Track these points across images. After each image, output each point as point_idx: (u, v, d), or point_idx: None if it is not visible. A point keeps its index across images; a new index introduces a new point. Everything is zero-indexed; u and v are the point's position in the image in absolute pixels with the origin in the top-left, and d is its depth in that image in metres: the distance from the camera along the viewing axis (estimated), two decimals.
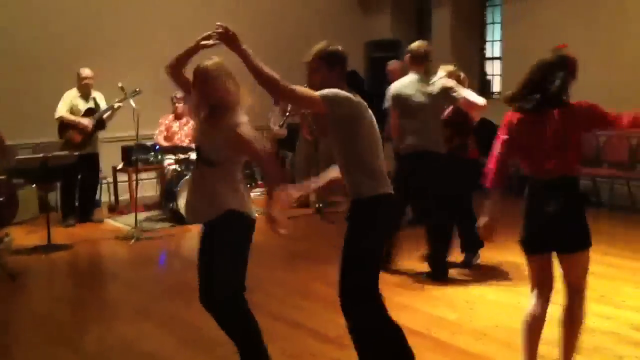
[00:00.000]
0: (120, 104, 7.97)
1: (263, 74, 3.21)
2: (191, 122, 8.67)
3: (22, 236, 7.51)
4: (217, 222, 3.56)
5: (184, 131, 8.68)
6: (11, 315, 5.13)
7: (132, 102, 7.40)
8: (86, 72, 8.06)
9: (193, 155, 8.26)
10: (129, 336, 4.58)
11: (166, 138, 8.66)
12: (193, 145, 8.30)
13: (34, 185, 8.41)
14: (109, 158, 8.92)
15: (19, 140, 8.35)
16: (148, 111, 7.67)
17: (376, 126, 3.51)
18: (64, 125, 7.99)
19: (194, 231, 7.64)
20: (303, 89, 3.34)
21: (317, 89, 3.42)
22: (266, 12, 10.39)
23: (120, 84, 7.45)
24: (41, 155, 6.96)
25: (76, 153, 7.42)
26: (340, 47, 3.55)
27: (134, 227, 7.49)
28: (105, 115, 8.08)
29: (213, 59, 3.56)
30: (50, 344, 4.47)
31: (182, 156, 8.31)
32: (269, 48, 10.17)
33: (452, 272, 5.69)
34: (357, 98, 3.42)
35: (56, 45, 8.88)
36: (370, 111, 3.48)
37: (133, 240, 7.12)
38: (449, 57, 10.26)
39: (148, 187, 8.90)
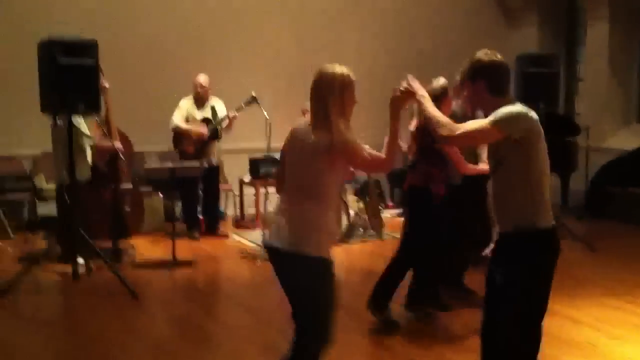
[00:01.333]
0: (236, 113, 7.58)
1: (435, 121, 3.06)
2: None
3: (147, 247, 7.31)
4: None
5: None
6: (126, 338, 4.79)
7: (264, 112, 7.01)
8: (201, 79, 7.75)
9: None
10: None
11: None
12: None
13: (161, 195, 8.28)
14: (236, 169, 8.63)
15: (146, 148, 8.21)
16: (278, 123, 7.24)
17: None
18: (178, 136, 7.73)
19: None
20: (471, 125, 3.03)
21: (472, 110, 3.28)
22: (408, 28, 9.95)
23: (253, 93, 7.11)
24: (170, 165, 6.70)
25: (205, 165, 7.16)
26: (482, 56, 3.14)
27: (259, 246, 7.11)
28: (221, 125, 7.73)
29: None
30: None
31: None
32: (413, 65, 9.67)
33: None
34: (532, 113, 3.04)
35: (185, 53, 8.70)
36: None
37: (259, 261, 6.72)
38: (604, 76, 9.38)
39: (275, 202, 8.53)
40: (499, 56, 3.14)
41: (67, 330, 5.13)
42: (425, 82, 4.73)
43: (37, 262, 5.99)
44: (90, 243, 6.00)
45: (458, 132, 2.99)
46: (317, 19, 9.51)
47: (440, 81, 4.88)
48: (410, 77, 3.17)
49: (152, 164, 7.45)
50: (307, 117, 8.07)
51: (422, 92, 3.14)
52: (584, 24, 9.98)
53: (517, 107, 3.04)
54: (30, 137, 7.81)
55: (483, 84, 3.10)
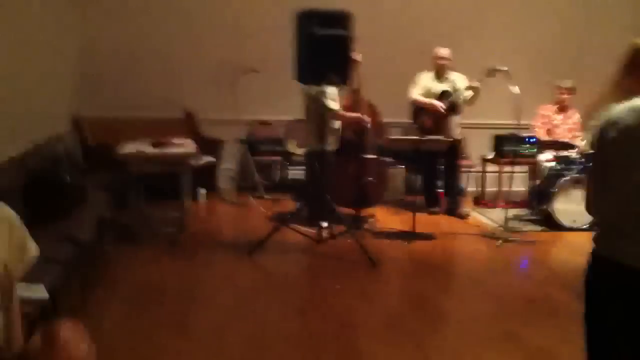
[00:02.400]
0: (477, 84, 7.16)
1: None
2: (577, 116, 7.74)
3: (388, 217, 7.41)
4: None
5: (567, 125, 7.78)
6: (361, 305, 4.86)
7: (512, 87, 6.63)
8: (442, 51, 7.50)
9: (574, 154, 7.38)
10: None
11: (547, 132, 7.85)
12: (576, 142, 7.41)
13: (403, 167, 8.34)
14: (479, 146, 8.40)
15: (393, 119, 8.27)
16: (525, 98, 6.85)
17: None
18: (417, 109, 7.59)
19: (567, 239, 6.83)
20: None
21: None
22: None
23: (492, 67, 6.74)
24: (415, 137, 6.69)
25: (450, 139, 7.04)
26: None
27: (501, 226, 6.89)
28: (461, 99, 7.44)
29: None
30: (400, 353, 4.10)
31: (562, 153, 7.43)
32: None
33: None
34: (625, 115, 2.27)
35: (426, 27, 8.57)
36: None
37: (500, 242, 6.50)
38: None
39: (518, 181, 8.17)
40: None
41: (305, 288, 5.39)
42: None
43: (285, 223, 6.31)
44: (335, 209, 6.20)
45: None
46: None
47: None
48: None
49: (396, 135, 7.49)
50: (567, 99, 7.48)
51: None
52: None
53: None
54: (285, 104, 8.19)
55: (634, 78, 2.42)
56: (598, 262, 2.35)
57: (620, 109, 2.32)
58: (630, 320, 2.24)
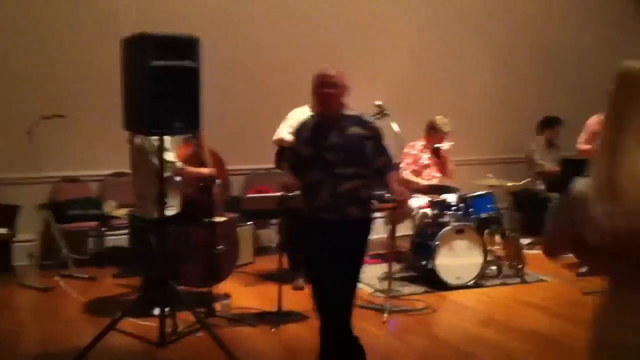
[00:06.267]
0: None
1: None
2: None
3: (239, 292, 5.94)
4: None
5: (437, 165, 6.85)
6: None
7: (394, 125, 5.49)
8: None
9: (450, 198, 6.41)
10: None
11: (415, 172, 6.82)
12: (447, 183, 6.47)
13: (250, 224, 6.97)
14: None
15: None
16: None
17: None
18: (282, 151, 6.22)
19: (452, 299, 5.83)
20: None
21: None
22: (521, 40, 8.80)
23: (378, 102, 5.61)
24: (279, 193, 5.31)
25: None
26: None
27: (377, 291, 5.81)
28: None
29: None
30: None
31: (436, 198, 6.42)
32: (527, 80, 8.73)
33: None
34: None
35: (292, 63, 7.45)
36: None
37: (386, 315, 5.30)
38: None
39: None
40: None
41: None
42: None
43: (119, 318, 4.60)
44: (181, 295, 4.69)
45: None
46: (434, 34, 8.43)
47: None
48: None
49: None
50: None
51: None
52: None
53: None
54: (97, 155, 6.67)
55: None
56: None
57: None
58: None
